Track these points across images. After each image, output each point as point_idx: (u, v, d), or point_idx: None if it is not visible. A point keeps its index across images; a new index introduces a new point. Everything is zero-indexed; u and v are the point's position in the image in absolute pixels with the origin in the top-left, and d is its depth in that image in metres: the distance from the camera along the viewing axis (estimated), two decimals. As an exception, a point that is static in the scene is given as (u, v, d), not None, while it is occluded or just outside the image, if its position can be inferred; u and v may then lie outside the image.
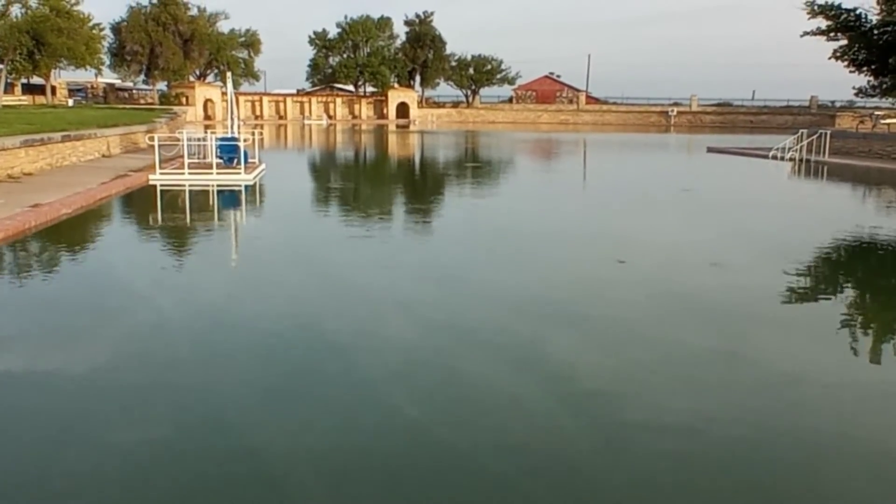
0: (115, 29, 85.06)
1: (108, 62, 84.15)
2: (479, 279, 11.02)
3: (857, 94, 49.04)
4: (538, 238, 14.88)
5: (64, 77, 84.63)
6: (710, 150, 42.83)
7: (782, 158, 35.41)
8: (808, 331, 8.83)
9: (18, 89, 77.58)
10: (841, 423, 6.23)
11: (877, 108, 59.81)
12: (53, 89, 78.18)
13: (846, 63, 44.17)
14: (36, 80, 77.45)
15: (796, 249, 13.42)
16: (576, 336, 8.38)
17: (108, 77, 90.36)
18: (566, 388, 6.83)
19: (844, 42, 43.47)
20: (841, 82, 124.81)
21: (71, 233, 14.43)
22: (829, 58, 44.53)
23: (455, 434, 5.87)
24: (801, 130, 37.14)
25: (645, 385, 6.89)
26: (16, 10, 67.99)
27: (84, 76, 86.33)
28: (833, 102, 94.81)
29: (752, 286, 10.70)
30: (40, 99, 74.86)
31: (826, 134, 35.21)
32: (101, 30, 79.88)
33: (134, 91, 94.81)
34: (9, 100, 67.19)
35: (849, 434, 6.04)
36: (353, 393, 6.58)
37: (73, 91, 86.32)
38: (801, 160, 34.58)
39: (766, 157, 36.27)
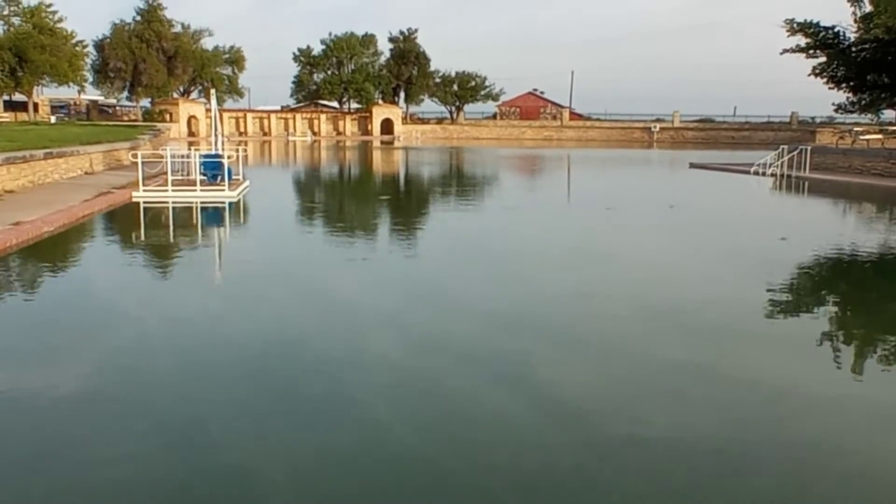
0: (99, 46, 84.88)
1: (91, 79, 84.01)
2: (465, 296, 11.02)
3: (836, 111, 49.74)
4: (524, 254, 14.93)
5: (46, 94, 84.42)
6: (692, 165, 43.20)
7: (763, 174, 35.77)
8: (793, 345, 8.88)
9: (0, 106, 77.18)
10: (828, 438, 6.26)
11: (856, 123, 60.56)
12: (36, 106, 77.83)
13: (825, 80, 44.78)
14: (18, 96, 77.06)
15: (780, 264, 13.53)
16: (562, 352, 8.39)
17: (92, 94, 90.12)
18: (553, 404, 6.83)
19: (823, 59, 44.09)
20: (821, 98, 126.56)
21: (53, 251, 14.32)
22: (809, 75, 45.17)
23: (441, 451, 5.86)
24: (781, 146, 37.54)
25: (631, 400, 6.91)
26: (-2, 27, 67.83)
27: (67, 93, 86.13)
28: (813, 118, 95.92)
29: (736, 301, 10.77)
30: (22, 116, 74.45)
31: (807, 150, 35.62)
32: (85, 47, 79.84)
33: (117, 108, 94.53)
34: (-9, 117, 66.83)
35: (836, 448, 6.08)
36: (339, 411, 6.56)
37: (56, 108, 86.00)
38: (782, 176, 34.93)
39: (747, 172, 36.62)
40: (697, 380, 7.55)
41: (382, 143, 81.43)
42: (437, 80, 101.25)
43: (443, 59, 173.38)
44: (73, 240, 15.69)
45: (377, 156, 58.93)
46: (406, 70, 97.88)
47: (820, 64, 44.40)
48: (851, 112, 49.37)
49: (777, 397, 7.09)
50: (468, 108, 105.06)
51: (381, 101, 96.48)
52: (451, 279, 12.32)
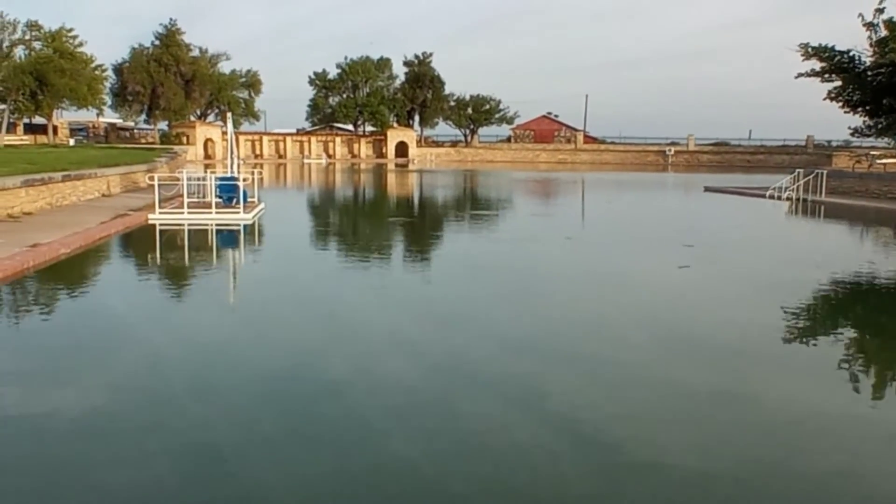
0: (118, 69, 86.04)
1: (109, 102, 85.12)
2: (480, 319, 10.98)
3: (852, 134, 49.45)
4: (539, 278, 14.89)
5: (66, 117, 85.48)
6: (707, 189, 43.09)
7: (779, 198, 35.60)
8: (812, 370, 8.78)
9: (21, 129, 78.26)
10: (850, 466, 6.16)
11: (873, 147, 60.23)
12: (55, 129, 78.84)
13: (841, 104, 44.60)
14: (38, 119, 78.10)
15: (798, 289, 13.42)
16: (577, 376, 8.33)
17: (110, 117, 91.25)
18: (568, 430, 6.77)
19: (839, 83, 43.94)
20: (837, 122, 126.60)
21: (69, 273, 14.42)
22: (824, 99, 45.00)
23: (455, 477, 5.81)
24: (797, 170, 37.39)
25: (647, 426, 6.83)
26: (20, 52, 68.85)
27: (86, 116, 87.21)
28: (829, 142, 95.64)
29: (753, 326, 10.67)
30: (42, 138, 75.46)
31: (822, 173, 35.47)
32: (104, 70, 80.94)
33: (135, 130, 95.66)
34: (11, 139, 67.79)
35: (853, 474, 5.98)
36: (352, 434, 6.52)
37: (75, 130, 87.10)
38: (797, 200, 34.76)
39: (762, 196, 36.46)
40: (717, 406, 7.46)
41: (397, 165, 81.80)
42: (452, 103, 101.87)
43: (457, 83, 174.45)
44: (89, 262, 15.80)
45: (392, 178, 59.15)
46: (421, 93, 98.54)
47: (835, 88, 44.25)
48: (868, 136, 49.11)
49: (798, 424, 7.00)
50: (482, 131, 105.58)
51: (395, 125, 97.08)
52: (466, 302, 12.27)
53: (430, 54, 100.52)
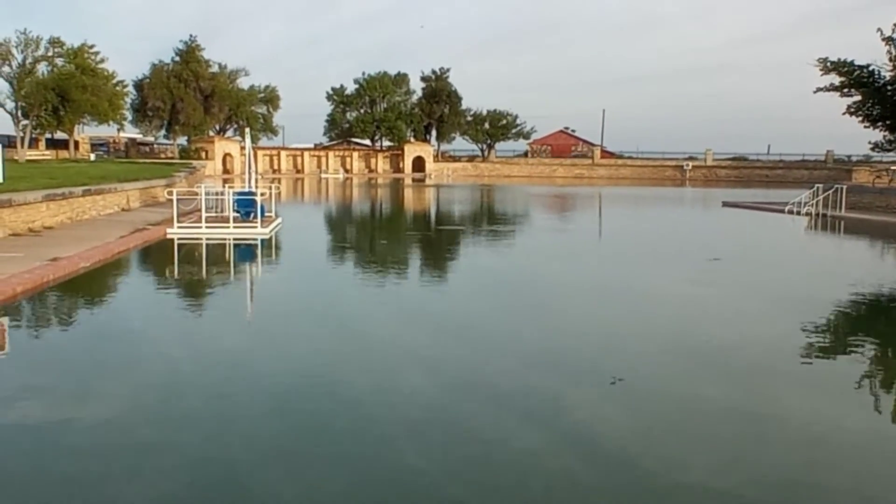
0: (138, 85, 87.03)
1: (130, 117, 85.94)
2: (498, 334, 10.95)
3: (872, 149, 49.10)
4: (557, 294, 14.83)
5: (87, 132, 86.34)
6: (725, 204, 42.83)
7: (798, 213, 35.34)
8: (833, 388, 8.66)
9: (43, 144, 79.16)
10: (874, 486, 6.07)
11: (893, 162, 59.75)
12: (76, 144, 79.69)
13: (860, 119, 44.30)
14: (60, 134, 78.98)
15: (820, 306, 13.27)
16: (595, 393, 8.26)
17: (130, 132, 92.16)
18: (586, 446, 6.71)
19: (858, 98, 43.66)
20: (857, 136, 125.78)
21: (88, 286, 14.52)
22: (843, 113, 44.71)
23: (472, 494, 5.77)
24: (816, 185, 37.11)
25: (666, 443, 6.76)
26: (42, 68, 69.76)
27: (106, 131, 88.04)
28: (849, 157, 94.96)
29: (774, 342, 10.56)
30: (63, 153, 76.32)
31: (842, 188, 35.17)
32: (125, 86, 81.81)
33: (155, 145, 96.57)
34: (33, 154, 68.56)
35: (875, 496, 5.89)
36: (369, 450, 6.50)
37: (96, 146, 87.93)
38: (817, 215, 34.48)
39: (781, 211, 36.20)
40: (741, 424, 7.37)
41: (414, 180, 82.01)
42: (469, 118, 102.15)
43: (474, 98, 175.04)
44: (108, 275, 15.91)
45: (409, 193, 59.28)
46: (438, 108, 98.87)
47: (855, 102, 43.96)
48: (888, 151, 48.69)
49: (822, 443, 6.90)
50: (499, 145, 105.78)
51: (412, 139, 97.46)
52: (483, 317, 12.23)
53: (448, 69, 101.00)
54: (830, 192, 35.18)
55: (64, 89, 67.29)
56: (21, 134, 67.99)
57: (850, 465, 6.50)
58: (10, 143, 65.21)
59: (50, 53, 69.42)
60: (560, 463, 6.35)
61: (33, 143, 73.58)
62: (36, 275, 13.35)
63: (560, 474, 6.15)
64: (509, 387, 8.38)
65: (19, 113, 68.22)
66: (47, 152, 76.38)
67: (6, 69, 66.11)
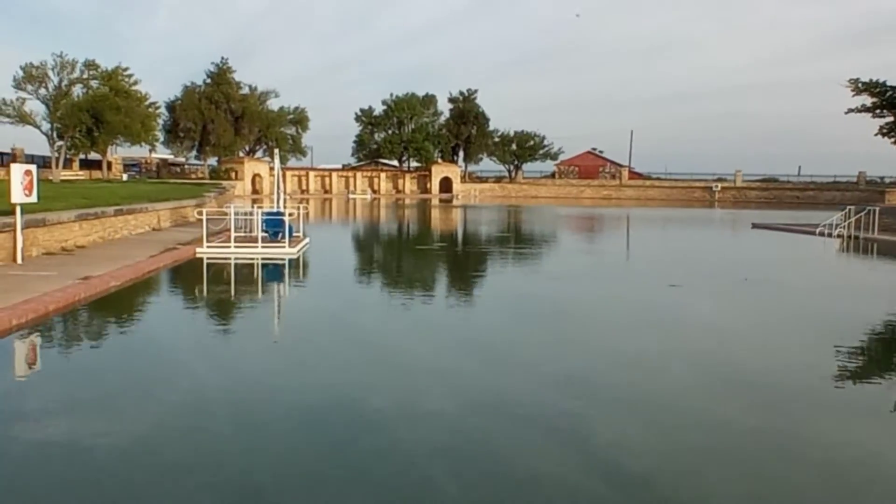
0: (170, 107, 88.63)
1: (162, 138, 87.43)
2: (525, 356, 10.89)
3: (906, 170, 48.42)
4: (585, 317, 14.75)
5: (120, 152, 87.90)
6: (755, 225, 42.40)
7: (829, 235, 34.86)
8: (867, 413, 8.49)
9: (77, 165, 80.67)
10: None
11: (927, 184, 58.85)
12: (109, 164, 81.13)
13: (893, 140, 43.78)
14: (93, 155, 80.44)
15: (854, 330, 13.05)
16: (623, 416, 8.16)
17: (162, 152, 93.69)
18: (612, 470, 6.62)
19: (891, 119, 43.19)
20: (890, 157, 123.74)
21: (119, 305, 14.70)
22: (876, 134, 44.24)
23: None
24: (848, 207, 36.61)
25: (695, 468, 6.66)
26: (77, 90, 71.20)
27: (139, 152, 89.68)
28: (882, 178, 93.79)
29: (806, 367, 10.39)
30: (97, 174, 77.70)
31: (875, 210, 34.65)
32: (157, 108, 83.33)
33: (186, 166, 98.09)
34: (67, 175, 69.90)
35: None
36: (394, 470, 6.47)
37: (128, 166, 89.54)
38: (849, 237, 33.99)
39: (811, 233, 35.74)
40: (769, 448, 7.24)
41: (441, 201, 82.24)
42: (496, 139, 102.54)
43: (501, 119, 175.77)
44: (138, 294, 16.09)
45: (436, 214, 59.39)
46: (465, 129, 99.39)
47: (887, 123, 43.51)
48: (922, 172, 48.02)
49: (854, 469, 6.76)
50: (526, 166, 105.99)
51: (440, 160, 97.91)
52: (510, 340, 12.18)
53: (475, 91, 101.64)
54: (863, 213, 34.69)
55: (98, 111, 68.61)
56: (56, 154, 69.39)
57: (884, 491, 6.35)
58: (45, 163, 66.54)
59: (85, 76, 70.94)
60: (588, 487, 6.27)
61: (67, 164, 75.00)
62: (68, 293, 13.55)
63: (588, 498, 6.07)
64: (537, 409, 8.31)
65: (54, 134, 69.67)
66: (81, 172, 77.83)
67: (42, 91, 67.70)
